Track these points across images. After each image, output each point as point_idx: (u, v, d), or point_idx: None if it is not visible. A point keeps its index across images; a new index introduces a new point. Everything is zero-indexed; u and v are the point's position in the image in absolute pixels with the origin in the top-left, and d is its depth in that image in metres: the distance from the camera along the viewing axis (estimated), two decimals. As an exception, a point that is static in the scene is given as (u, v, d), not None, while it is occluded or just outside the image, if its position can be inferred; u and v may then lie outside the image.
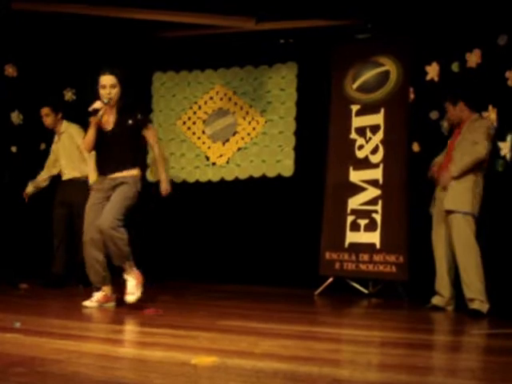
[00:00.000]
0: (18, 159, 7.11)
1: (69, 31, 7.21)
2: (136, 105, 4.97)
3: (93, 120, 4.66)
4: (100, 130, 4.76)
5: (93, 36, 7.35)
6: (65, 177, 6.47)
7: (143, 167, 5.10)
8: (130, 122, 4.76)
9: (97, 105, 4.63)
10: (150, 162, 7.39)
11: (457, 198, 5.24)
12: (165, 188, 4.99)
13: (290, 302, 5.87)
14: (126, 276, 4.64)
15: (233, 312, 4.82)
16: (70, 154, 6.44)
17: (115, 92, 4.71)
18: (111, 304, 4.76)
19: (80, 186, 6.26)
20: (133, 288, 4.57)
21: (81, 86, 7.71)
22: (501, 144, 5.65)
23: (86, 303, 4.65)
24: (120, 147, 4.75)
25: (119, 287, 4.79)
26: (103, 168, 4.84)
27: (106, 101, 4.65)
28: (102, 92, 4.69)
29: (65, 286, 6.26)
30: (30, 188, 6.49)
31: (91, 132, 4.72)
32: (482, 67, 6.07)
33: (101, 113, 4.65)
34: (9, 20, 6.74)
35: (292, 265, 7.12)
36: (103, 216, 4.54)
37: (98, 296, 4.71)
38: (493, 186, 5.39)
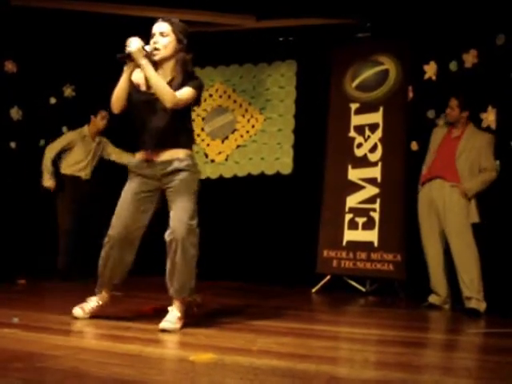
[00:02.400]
0: (17, 155, 7.09)
1: (68, 27, 7.20)
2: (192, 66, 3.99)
3: (127, 66, 3.72)
4: (143, 93, 3.81)
5: (92, 32, 7.34)
6: (86, 177, 6.83)
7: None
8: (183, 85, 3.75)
9: (134, 46, 3.63)
10: None
11: (473, 209, 5.37)
12: None
13: (287, 299, 5.88)
14: (173, 306, 3.75)
15: (230, 309, 4.82)
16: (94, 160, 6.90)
17: (166, 42, 3.75)
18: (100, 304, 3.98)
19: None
20: (175, 320, 3.65)
21: (80, 83, 7.71)
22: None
23: (77, 312, 3.86)
24: (168, 117, 3.74)
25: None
26: (146, 144, 3.82)
27: (148, 49, 3.68)
28: (151, 41, 3.74)
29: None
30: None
31: (123, 83, 3.75)
32: (481, 67, 6.07)
33: (140, 60, 3.63)
34: (8, 16, 6.73)
35: (290, 262, 7.12)
36: (176, 223, 3.72)
37: (92, 306, 3.92)
38: (489, 187, 5.40)
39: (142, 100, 3.79)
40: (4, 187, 6.76)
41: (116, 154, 6.99)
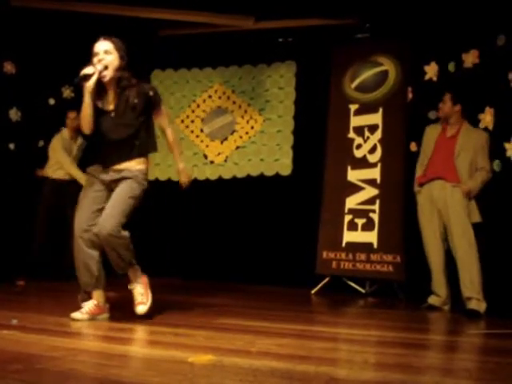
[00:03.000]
0: (16, 156, 7.09)
1: (67, 28, 7.20)
2: (143, 82, 4.18)
3: (86, 89, 3.87)
4: (100, 111, 3.99)
5: (91, 33, 7.31)
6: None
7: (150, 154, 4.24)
8: (136, 100, 3.98)
9: (87, 70, 3.88)
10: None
11: (474, 209, 5.38)
12: (184, 179, 4.36)
13: (286, 300, 5.87)
14: (130, 285, 4.04)
15: (229, 310, 4.82)
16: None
17: (110, 60, 3.93)
18: (104, 316, 4.05)
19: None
20: (141, 297, 4.01)
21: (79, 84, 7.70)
22: (506, 145, 5.65)
23: (76, 315, 3.91)
24: (124, 131, 3.97)
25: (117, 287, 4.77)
26: (104, 157, 4.04)
27: (99, 67, 3.88)
28: (94, 60, 3.93)
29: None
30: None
31: (87, 105, 3.90)
32: (482, 67, 6.07)
33: (93, 80, 3.85)
34: (8, 17, 6.73)
35: (289, 263, 7.12)
36: (103, 220, 3.83)
37: (89, 307, 3.97)
38: (489, 186, 5.40)
39: (99, 117, 3.99)
40: (3, 188, 6.76)
41: None
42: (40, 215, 6.63)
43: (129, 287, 4.05)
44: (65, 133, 6.82)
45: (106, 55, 3.94)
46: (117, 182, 4.00)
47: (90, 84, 3.88)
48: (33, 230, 6.61)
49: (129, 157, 4.01)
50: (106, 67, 3.91)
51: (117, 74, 3.99)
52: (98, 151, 4.09)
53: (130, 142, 4.01)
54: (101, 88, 3.99)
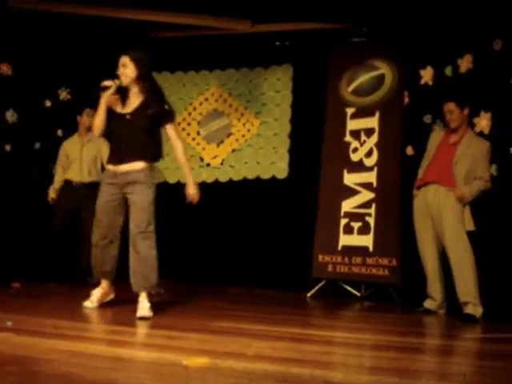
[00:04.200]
0: (12, 158, 7.09)
1: (64, 30, 7.21)
2: (163, 94, 4.66)
3: (102, 98, 4.47)
4: (119, 114, 4.53)
5: (88, 35, 7.34)
6: (86, 179, 6.73)
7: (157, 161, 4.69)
8: (151, 110, 4.46)
9: (107, 82, 4.48)
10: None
11: (468, 217, 5.39)
12: (192, 192, 4.68)
13: (282, 304, 5.87)
14: (141, 297, 4.37)
15: (225, 314, 4.82)
16: (95, 160, 6.81)
17: (127, 72, 4.47)
18: (111, 296, 4.80)
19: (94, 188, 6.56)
20: (148, 309, 4.30)
21: (76, 86, 7.70)
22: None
23: (87, 304, 4.63)
24: (134, 135, 4.45)
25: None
26: (115, 156, 4.51)
27: (117, 81, 4.47)
28: (118, 73, 4.53)
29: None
30: (52, 193, 6.79)
31: (100, 111, 4.51)
32: (477, 72, 6.08)
33: (111, 91, 4.45)
34: (4, 18, 6.72)
35: (285, 267, 7.11)
36: (134, 227, 4.36)
37: (96, 295, 4.69)
38: (486, 191, 5.41)
39: (116, 120, 4.53)
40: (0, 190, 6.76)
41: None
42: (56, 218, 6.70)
43: (139, 297, 4.37)
44: (75, 135, 6.90)
45: (123, 68, 4.49)
46: (127, 184, 4.45)
47: (106, 94, 4.46)
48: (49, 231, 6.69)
49: (136, 159, 4.44)
50: (120, 80, 4.48)
51: (134, 83, 4.53)
52: (113, 151, 4.59)
53: (140, 146, 4.46)
54: (125, 94, 4.55)
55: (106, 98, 4.49)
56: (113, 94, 4.50)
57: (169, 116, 4.60)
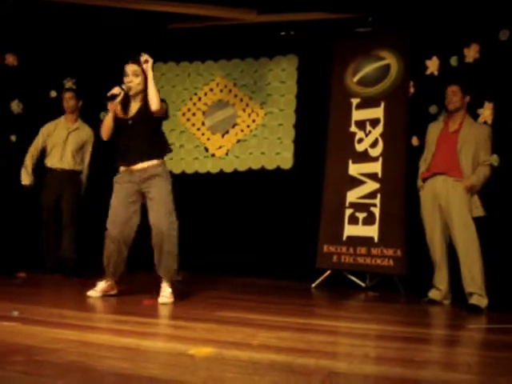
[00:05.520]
0: (18, 148, 7.09)
1: (69, 21, 7.20)
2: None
3: (110, 106, 4.61)
4: (121, 119, 4.70)
5: (93, 26, 7.33)
6: (67, 167, 6.55)
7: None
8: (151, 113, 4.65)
9: (115, 90, 4.56)
10: None
11: (477, 203, 5.38)
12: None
13: (287, 294, 5.88)
14: (164, 283, 4.68)
15: (230, 303, 4.83)
16: (79, 148, 6.64)
17: (138, 81, 4.63)
18: (115, 291, 4.82)
19: (76, 177, 6.59)
20: (169, 295, 4.61)
21: (81, 76, 7.70)
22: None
23: (91, 293, 4.68)
24: (141, 136, 4.65)
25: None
26: (125, 158, 4.69)
27: (125, 88, 4.60)
28: (125, 79, 4.65)
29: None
30: (26, 179, 6.55)
31: (109, 118, 4.68)
32: (483, 62, 6.06)
33: (118, 99, 4.57)
34: (10, 9, 6.72)
35: (290, 257, 7.13)
36: (158, 220, 4.56)
37: (101, 285, 4.75)
38: (492, 180, 5.40)
39: (121, 125, 4.70)
40: (4, 180, 6.76)
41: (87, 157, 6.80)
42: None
43: (162, 283, 4.69)
44: (61, 118, 6.75)
45: (134, 77, 4.64)
46: (145, 180, 4.64)
47: (114, 102, 4.58)
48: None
49: (148, 158, 4.64)
50: (129, 89, 4.62)
51: (143, 92, 4.68)
52: (122, 153, 4.71)
53: (147, 147, 4.66)
54: (127, 100, 4.70)
55: (114, 107, 4.63)
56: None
57: (166, 116, 4.87)
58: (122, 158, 4.72)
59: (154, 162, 4.65)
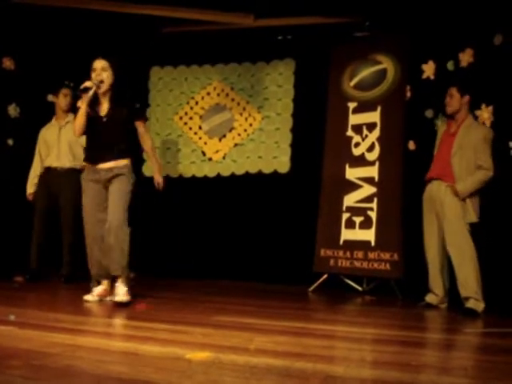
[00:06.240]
0: (15, 152, 7.09)
1: (67, 25, 7.20)
2: (132, 94, 5.02)
3: (83, 98, 4.68)
4: (93, 117, 4.76)
5: (90, 30, 7.34)
6: (65, 165, 6.43)
7: (135, 158, 5.08)
8: (124, 110, 4.79)
9: (87, 83, 4.65)
10: (146, 157, 7.37)
11: (470, 209, 5.32)
12: (158, 180, 5.05)
13: (284, 298, 5.88)
14: (118, 282, 4.65)
15: (227, 308, 4.83)
16: (72, 144, 6.44)
17: (106, 75, 4.75)
18: (111, 297, 4.74)
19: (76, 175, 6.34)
20: (124, 293, 4.58)
21: (78, 80, 7.68)
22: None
23: (87, 297, 4.72)
24: (113, 135, 4.75)
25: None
26: (94, 156, 4.81)
27: (95, 82, 4.69)
28: (93, 75, 4.75)
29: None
30: (30, 188, 6.52)
31: (81, 113, 4.72)
32: (478, 66, 6.07)
33: (91, 92, 4.66)
34: (7, 12, 6.72)
35: (287, 261, 7.13)
36: (110, 216, 4.61)
37: (98, 290, 4.80)
38: (489, 184, 5.39)
39: (94, 122, 4.76)
40: (1, 184, 6.76)
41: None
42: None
43: (116, 282, 4.67)
44: (53, 120, 6.66)
45: (102, 71, 4.74)
46: (110, 179, 4.73)
47: (88, 95, 4.65)
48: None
49: (116, 157, 4.74)
50: (101, 82, 4.73)
51: (111, 89, 4.81)
52: (91, 151, 4.86)
53: (117, 145, 4.76)
54: (96, 98, 4.78)
55: (87, 100, 4.70)
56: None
57: (140, 114, 5.02)
58: (90, 155, 4.85)
59: (121, 162, 4.76)
